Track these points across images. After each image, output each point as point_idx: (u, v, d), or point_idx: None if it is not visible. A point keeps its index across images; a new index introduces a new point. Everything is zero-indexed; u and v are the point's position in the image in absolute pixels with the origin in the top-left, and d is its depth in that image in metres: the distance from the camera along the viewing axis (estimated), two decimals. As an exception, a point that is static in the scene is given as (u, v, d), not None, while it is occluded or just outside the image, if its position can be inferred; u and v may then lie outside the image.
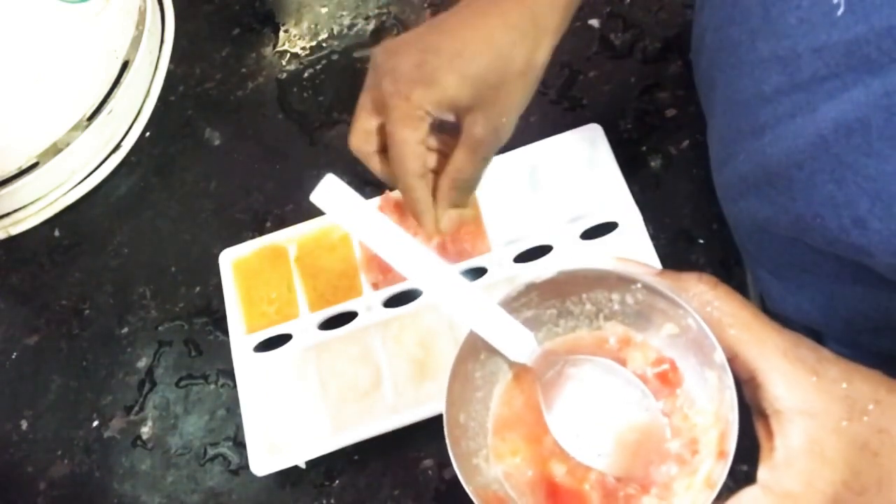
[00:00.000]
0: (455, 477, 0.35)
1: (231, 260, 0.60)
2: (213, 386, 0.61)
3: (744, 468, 0.33)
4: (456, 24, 0.45)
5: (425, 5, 0.74)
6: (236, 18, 0.77)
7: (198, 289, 0.65)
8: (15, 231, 0.70)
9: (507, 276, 0.56)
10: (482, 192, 0.58)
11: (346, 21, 0.74)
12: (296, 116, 0.71)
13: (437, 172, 0.47)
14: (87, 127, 0.68)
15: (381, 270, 0.58)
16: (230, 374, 0.58)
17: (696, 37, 0.54)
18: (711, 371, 0.35)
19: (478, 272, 0.57)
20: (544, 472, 0.38)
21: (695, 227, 0.59)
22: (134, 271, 0.67)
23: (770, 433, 0.33)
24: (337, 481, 0.56)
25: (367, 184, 0.63)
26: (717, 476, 0.34)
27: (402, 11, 0.74)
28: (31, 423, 0.62)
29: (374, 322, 0.57)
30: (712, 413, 0.36)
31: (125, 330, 0.64)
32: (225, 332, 0.60)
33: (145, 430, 0.60)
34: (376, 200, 0.59)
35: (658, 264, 0.55)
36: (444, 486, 0.55)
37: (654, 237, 0.56)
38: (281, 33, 0.75)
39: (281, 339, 0.57)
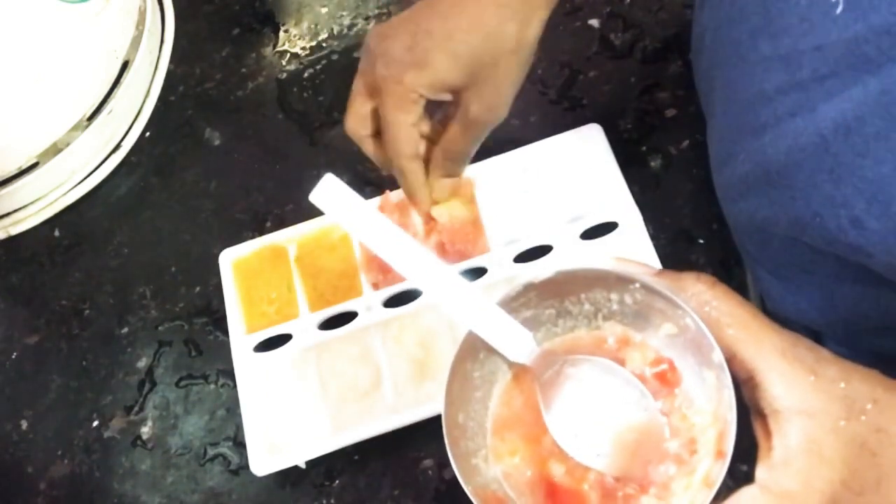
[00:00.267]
0: (455, 477, 0.35)
1: (231, 260, 0.60)
2: (213, 386, 0.61)
3: (742, 468, 0.33)
4: (446, 4, 0.45)
5: (425, 5, 0.74)
6: (236, 18, 0.77)
7: (198, 289, 0.65)
8: (15, 231, 0.70)
9: (507, 277, 0.56)
10: (481, 193, 0.58)
11: (346, 21, 0.74)
12: (296, 116, 0.71)
13: (429, 161, 0.48)
14: (87, 127, 0.68)
15: (381, 270, 0.57)
16: (230, 374, 0.58)
17: (696, 37, 0.54)
18: (710, 371, 0.35)
19: (477, 272, 0.57)
20: (543, 472, 0.38)
21: (695, 227, 0.59)
22: (134, 271, 0.67)
23: (768, 433, 0.33)
24: (337, 481, 0.56)
25: (368, 184, 0.64)
26: (715, 476, 0.34)
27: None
28: (31, 423, 0.62)
29: (374, 322, 0.57)
30: (711, 413, 0.36)
31: (125, 330, 0.64)
32: (225, 332, 0.60)
33: (145, 430, 0.61)
34: (376, 200, 0.59)
35: (658, 264, 0.55)
36: (444, 486, 0.55)
37: (654, 237, 0.56)
38: (281, 33, 0.75)
39: (281, 339, 0.57)
